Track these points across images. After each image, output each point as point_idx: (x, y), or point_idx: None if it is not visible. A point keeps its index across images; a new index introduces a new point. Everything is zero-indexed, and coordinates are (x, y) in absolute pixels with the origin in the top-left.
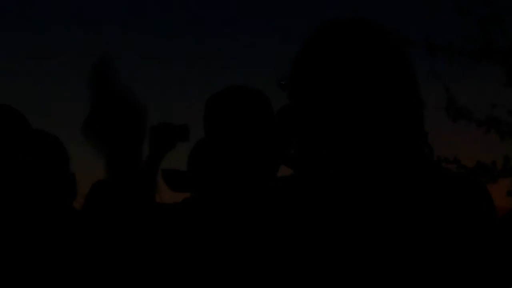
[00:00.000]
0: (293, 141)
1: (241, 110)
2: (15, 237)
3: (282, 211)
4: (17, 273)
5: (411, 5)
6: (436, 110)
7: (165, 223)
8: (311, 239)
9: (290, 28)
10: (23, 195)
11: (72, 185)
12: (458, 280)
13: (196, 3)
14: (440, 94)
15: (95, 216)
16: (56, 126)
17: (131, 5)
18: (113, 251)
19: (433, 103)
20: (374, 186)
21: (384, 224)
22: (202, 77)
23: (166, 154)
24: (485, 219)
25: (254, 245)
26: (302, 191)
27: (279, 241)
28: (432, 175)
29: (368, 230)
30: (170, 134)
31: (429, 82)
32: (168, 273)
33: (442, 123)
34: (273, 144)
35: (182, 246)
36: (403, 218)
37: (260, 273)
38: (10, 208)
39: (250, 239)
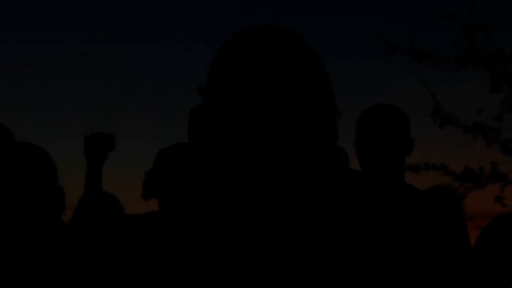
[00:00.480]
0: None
1: None
2: (3, 250)
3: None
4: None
5: (396, 12)
6: (422, 117)
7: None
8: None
9: None
10: (11, 207)
11: (60, 198)
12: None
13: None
14: (426, 101)
15: (84, 228)
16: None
17: None
18: (100, 265)
19: (419, 110)
20: (285, 192)
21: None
22: None
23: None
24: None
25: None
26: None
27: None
28: (343, 181)
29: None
30: (103, 144)
31: (415, 89)
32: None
33: (429, 130)
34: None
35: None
36: (311, 225)
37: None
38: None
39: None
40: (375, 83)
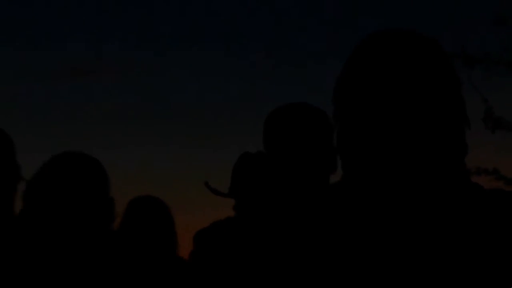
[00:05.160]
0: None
1: (301, 126)
2: (57, 256)
3: (334, 225)
4: None
5: (447, 16)
6: (473, 121)
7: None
8: (360, 252)
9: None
10: (64, 216)
11: (111, 208)
12: None
13: None
14: (477, 105)
15: (133, 233)
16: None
17: None
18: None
19: (470, 115)
20: (420, 199)
21: (429, 238)
22: None
23: None
24: None
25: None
26: (350, 203)
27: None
28: (472, 191)
29: (414, 243)
30: None
31: (466, 93)
32: None
33: (480, 134)
34: (329, 160)
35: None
36: (447, 233)
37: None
38: (53, 229)
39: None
40: None
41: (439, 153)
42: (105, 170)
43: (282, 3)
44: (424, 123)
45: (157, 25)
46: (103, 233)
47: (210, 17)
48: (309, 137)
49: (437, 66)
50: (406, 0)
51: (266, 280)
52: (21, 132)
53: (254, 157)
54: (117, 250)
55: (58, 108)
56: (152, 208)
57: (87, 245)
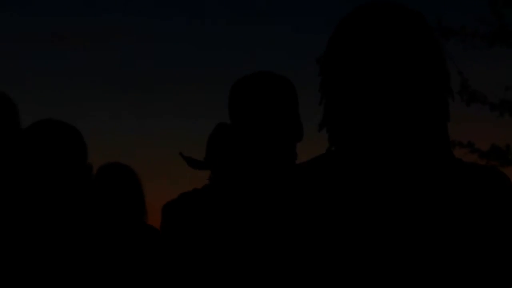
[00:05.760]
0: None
1: (267, 95)
2: (35, 223)
3: (306, 199)
4: (32, 262)
5: None
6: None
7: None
8: (338, 226)
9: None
10: (41, 184)
11: (88, 175)
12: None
13: None
14: (453, 78)
15: (103, 198)
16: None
17: None
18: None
19: None
20: (403, 173)
21: (413, 212)
22: None
23: None
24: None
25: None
26: (330, 174)
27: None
28: (456, 165)
29: (398, 220)
30: None
31: None
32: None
33: (456, 107)
34: (295, 128)
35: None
36: (430, 207)
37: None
38: (31, 198)
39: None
40: None
41: (426, 125)
42: (83, 137)
43: None
44: (412, 96)
45: None
46: (79, 199)
47: None
48: (274, 105)
49: (422, 39)
50: None
51: (238, 251)
52: None
53: (230, 128)
54: (92, 216)
55: None
56: (119, 175)
57: (64, 211)
